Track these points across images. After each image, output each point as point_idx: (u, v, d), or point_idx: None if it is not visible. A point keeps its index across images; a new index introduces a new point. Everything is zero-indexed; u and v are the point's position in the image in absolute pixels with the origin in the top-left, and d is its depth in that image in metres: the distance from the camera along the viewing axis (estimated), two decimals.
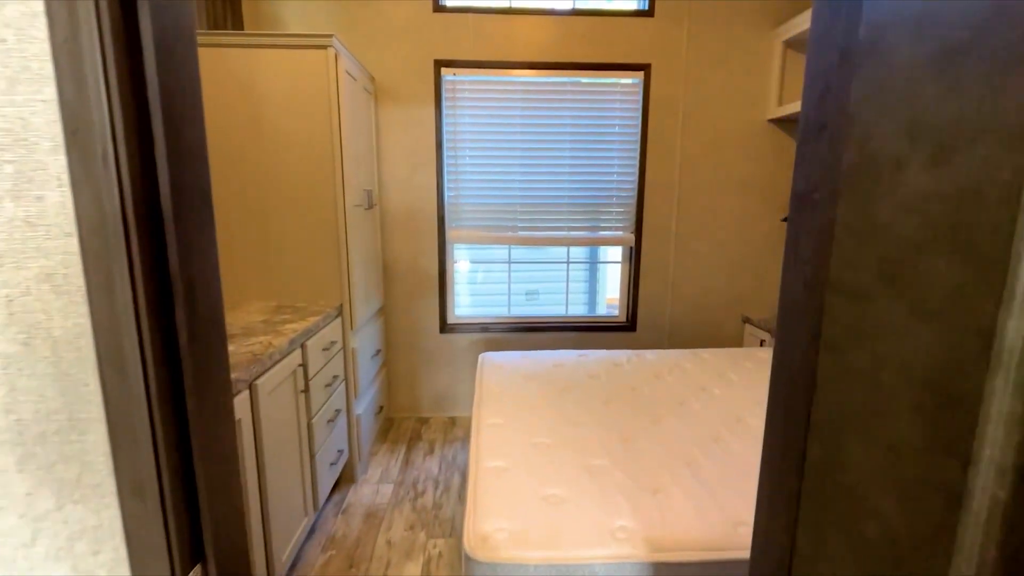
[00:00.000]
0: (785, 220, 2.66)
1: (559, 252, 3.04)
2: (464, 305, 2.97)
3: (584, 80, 2.64)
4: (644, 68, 2.62)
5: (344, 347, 2.11)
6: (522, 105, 2.64)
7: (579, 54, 2.60)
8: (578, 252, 3.21)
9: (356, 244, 2.18)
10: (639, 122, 2.69)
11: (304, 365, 1.71)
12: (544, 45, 2.58)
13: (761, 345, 2.70)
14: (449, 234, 2.74)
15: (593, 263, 3.39)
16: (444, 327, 2.83)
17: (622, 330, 2.89)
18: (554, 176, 2.72)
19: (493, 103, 2.63)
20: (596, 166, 2.73)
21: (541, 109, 2.65)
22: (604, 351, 2.44)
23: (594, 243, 2.83)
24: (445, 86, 2.61)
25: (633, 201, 2.78)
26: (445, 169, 2.68)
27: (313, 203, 2.00)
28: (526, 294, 3.05)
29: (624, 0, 2.67)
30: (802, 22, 2.42)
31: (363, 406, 2.30)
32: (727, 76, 2.65)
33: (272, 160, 1.96)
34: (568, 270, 2.99)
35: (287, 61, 1.90)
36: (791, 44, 2.58)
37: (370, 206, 2.44)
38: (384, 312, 2.77)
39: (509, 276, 2.93)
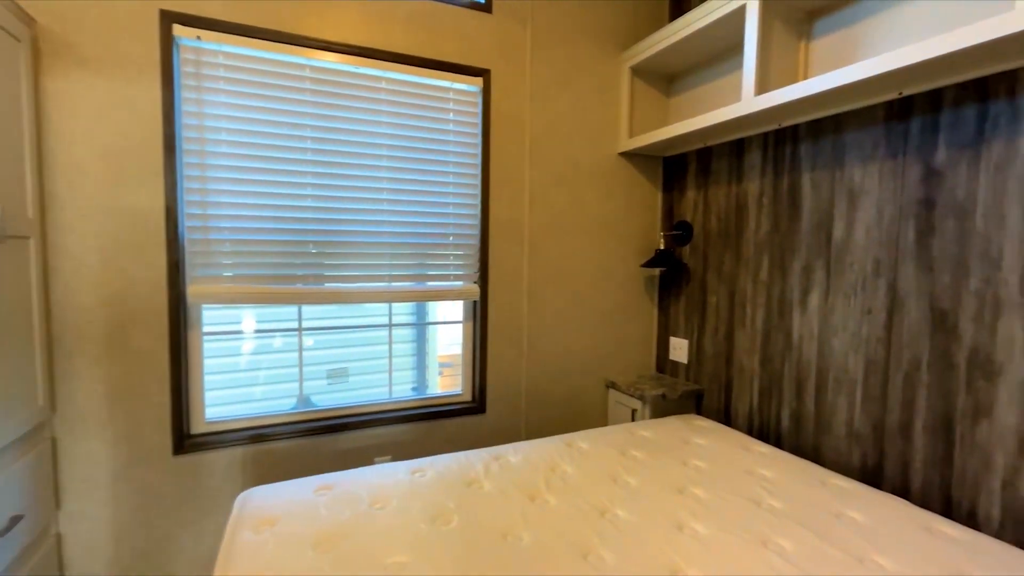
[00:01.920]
0: (645, 265, 2.30)
1: (378, 311, 2.19)
2: (221, 402, 1.88)
3: (410, 79, 1.95)
4: (483, 74, 2.06)
5: None
6: (318, 101, 1.81)
7: (400, 43, 1.91)
8: (402, 310, 2.42)
9: None
10: (479, 142, 2.09)
11: None
12: (353, 24, 1.83)
13: (633, 418, 2.23)
14: (191, 289, 1.68)
15: (422, 325, 2.62)
16: (183, 443, 1.70)
17: (468, 413, 2.14)
18: (369, 205, 1.91)
19: (271, 92, 1.74)
20: (428, 193, 2.01)
21: (349, 111, 1.85)
22: (448, 457, 1.64)
23: (428, 297, 2.06)
24: (182, 54, 1.64)
25: (476, 242, 2.12)
26: (182, 184, 1.66)
27: None
28: (328, 376, 2.10)
29: None
30: (648, 47, 2.15)
31: None
32: (575, 98, 2.25)
33: None
34: (391, 335, 2.15)
35: None
36: (638, 72, 2.32)
37: (1, 237, 1.28)
38: (44, 435, 1.53)
39: (300, 350, 1.96)
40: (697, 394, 2.25)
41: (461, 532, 1.21)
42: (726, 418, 2.12)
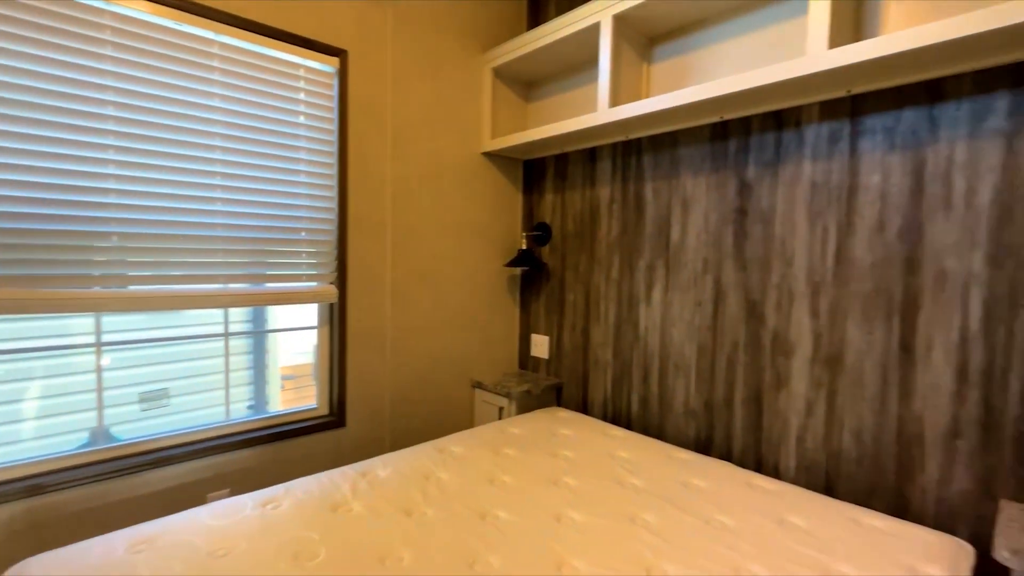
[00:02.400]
0: (509, 265, 2.35)
1: (210, 317, 1.86)
2: None
3: (250, 47, 1.68)
4: (339, 54, 1.88)
5: None
6: (124, 58, 1.45)
7: (238, 3, 1.63)
8: (238, 316, 2.12)
9: None
10: (336, 128, 1.90)
11: None
12: None
13: (500, 416, 2.26)
14: None
15: (265, 333, 2.32)
16: None
17: (325, 428, 1.93)
18: (198, 191, 1.60)
19: (54, 39, 1.34)
20: (274, 182, 1.76)
21: (168, 75, 1.52)
22: (307, 481, 1.45)
23: (277, 300, 1.80)
24: None
25: (333, 239, 1.93)
26: None
27: None
28: (141, 400, 1.71)
29: None
30: (509, 51, 2.21)
31: None
32: (439, 93, 2.20)
33: None
34: (227, 346, 1.83)
35: None
36: (500, 74, 2.36)
37: None
38: None
39: (99, 370, 1.54)
40: (557, 387, 2.37)
41: (331, 565, 1.07)
42: (584, 407, 2.27)
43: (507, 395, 2.21)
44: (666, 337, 1.94)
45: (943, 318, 1.31)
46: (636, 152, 2.03)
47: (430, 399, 2.25)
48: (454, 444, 1.76)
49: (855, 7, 1.40)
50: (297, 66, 1.79)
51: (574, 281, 2.30)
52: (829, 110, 1.50)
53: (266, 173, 1.74)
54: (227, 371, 1.82)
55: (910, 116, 1.36)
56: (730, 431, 1.75)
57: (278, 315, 2.24)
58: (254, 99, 1.70)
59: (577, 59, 2.17)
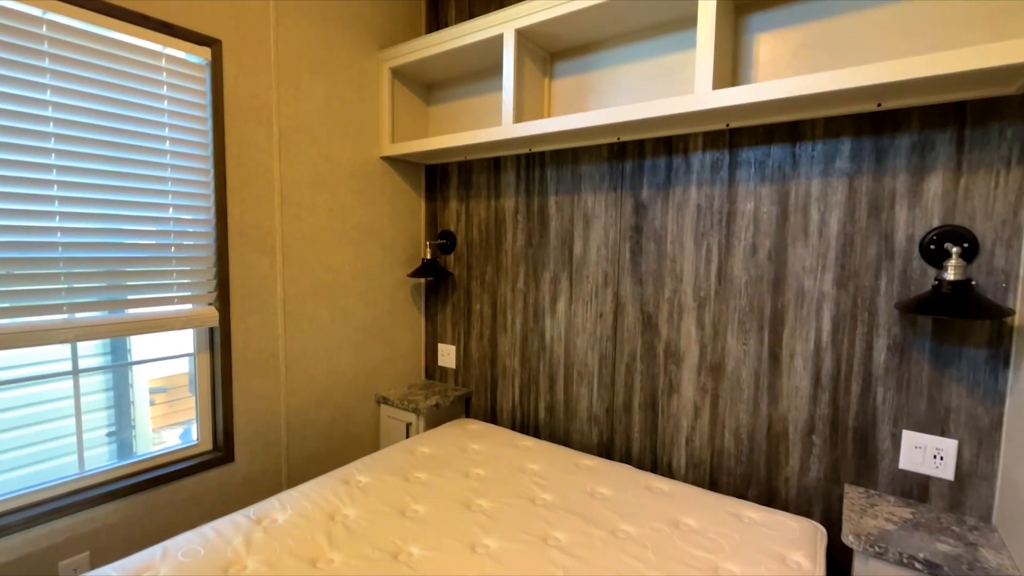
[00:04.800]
0: (412, 275, 2.27)
1: (55, 353, 1.56)
2: None
3: (89, 28, 1.40)
4: (211, 44, 1.64)
5: None
6: None
7: None
8: (91, 348, 1.82)
9: None
10: (210, 128, 1.67)
11: None
12: None
13: (408, 433, 2.19)
14: None
15: (123, 367, 2.02)
16: None
17: (210, 466, 1.73)
18: (28, 204, 1.31)
19: None
20: (133, 191, 1.50)
21: None
22: (189, 537, 1.28)
23: (140, 328, 1.55)
24: None
25: (211, 254, 1.71)
26: None
27: None
28: None
29: None
30: (407, 52, 2.10)
31: None
32: (332, 91, 2.03)
33: None
34: (77, 385, 1.55)
35: None
36: (398, 74, 2.24)
37: None
38: None
39: None
40: (466, 397, 2.36)
41: None
42: (493, 416, 2.29)
43: (415, 411, 2.15)
44: (570, 346, 2.01)
45: (802, 331, 1.51)
46: (540, 165, 2.05)
47: (332, 421, 2.11)
48: (360, 472, 1.67)
49: (732, 53, 1.54)
50: (157, 55, 1.54)
51: (480, 291, 2.29)
52: (712, 140, 1.64)
53: (121, 181, 1.48)
54: (78, 413, 1.54)
55: (777, 152, 1.53)
56: (629, 434, 1.87)
57: (144, 340, 1.95)
58: (99, 92, 1.42)
59: (479, 66, 2.13)
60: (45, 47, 1.32)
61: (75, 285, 1.41)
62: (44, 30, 1.32)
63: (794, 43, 1.47)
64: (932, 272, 1.32)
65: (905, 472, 1.38)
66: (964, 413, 1.30)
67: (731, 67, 1.53)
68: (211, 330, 1.75)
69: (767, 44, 1.51)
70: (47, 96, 1.33)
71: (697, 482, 1.72)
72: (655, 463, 1.82)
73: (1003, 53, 1.03)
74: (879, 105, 1.34)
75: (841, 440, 1.47)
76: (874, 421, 1.41)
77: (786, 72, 1.48)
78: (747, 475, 1.62)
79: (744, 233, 1.59)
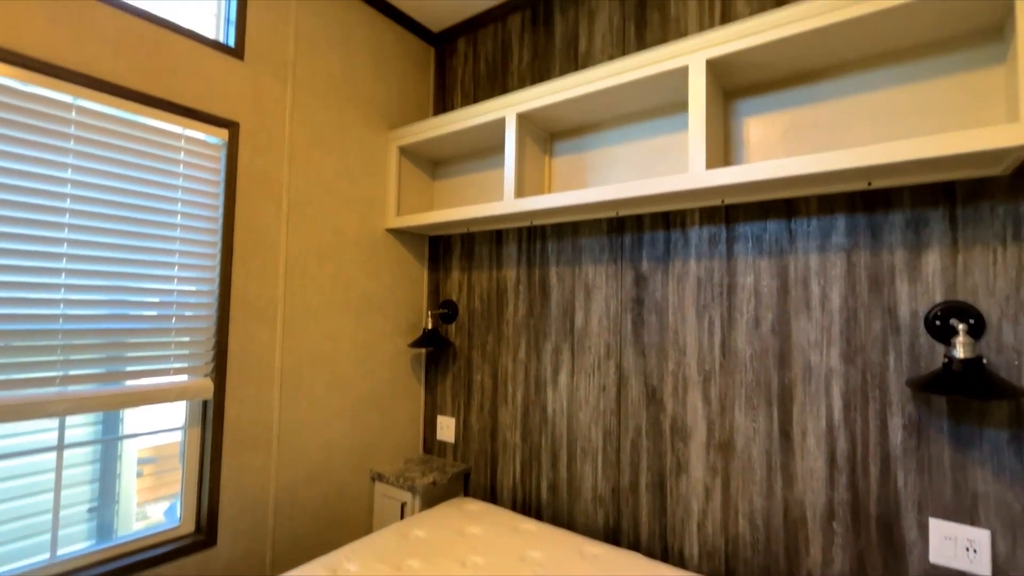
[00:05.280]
0: (413, 345, 2.25)
1: (39, 426, 1.51)
2: None
3: (116, 113, 1.49)
4: (229, 126, 1.74)
5: None
6: None
7: (108, 68, 1.46)
8: (79, 420, 1.78)
9: None
10: (221, 203, 1.73)
11: None
12: (33, 29, 1.30)
13: (403, 513, 2.07)
14: None
15: (114, 440, 1.97)
16: None
17: (190, 551, 1.62)
18: (34, 277, 1.33)
19: None
20: (141, 263, 1.53)
21: (10, 142, 1.28)
22: None
23: (132, 402, 1.51)
24: None
25: (211, 325, 1.70)
26: None
27: None
28: None
29: (196, 18, 1.75)
30: (415, 133, 2.22)
31: None
32: (342, 167, 2.12)
33: None
34: (60, 461, 1.49)
35: None
36: (406, 152, 2.35)
37: None
38: None
39: None
40: (465, 473, 2.25)
41: None
42: (492, 494, 2.17)
43: (411, 489, 2.05)
44: (573, 420, 1.95)
45: (813, 407, 1.46)
46: (541, 238, 2.10)
47: (323, 499, 2.00)
48: (349, 559, 1.56)
49: (724, 134, 1.61)
50: (177, 136, 1.62)
51: (481, 361, 2.26)
52: (708, 216, 1.68)
53: (130, 254, 1.51)
54: (58, 491, 1.47)
55: (773, 227, 1.56)
56: (637, 517, 1.76)
57: (137, 411, 1.90)
58: (118, 170, 1.49)
59: (483, 144, 2.24)
60: (72, 130, 1.40)
61: (72, 357, 1.40)
62: (73, 115, 1.41)
63: (782, 126, 1.54)
64: (940, 348, 1.30)
65: (937, 567, 1.27)
66: (993, 500, 1.22)
67: (723, 147, 1.60)
68: (205, 403, 1.71)
69: (756, 126, 1.58)
70: (68, 175, 1.39)
71: (712, 573, 1.59)
72: (666, 550, 1.69)
73: (983, 139, 1.07)
74: (869, 184, 1.38)
75: (864, 529, 1.37)
76: (898, 508, 1.33)
77: (777, 150, 1.54)
78: (765, 566, 1.50)
79: (746, 306, 1.59)
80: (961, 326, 1.18)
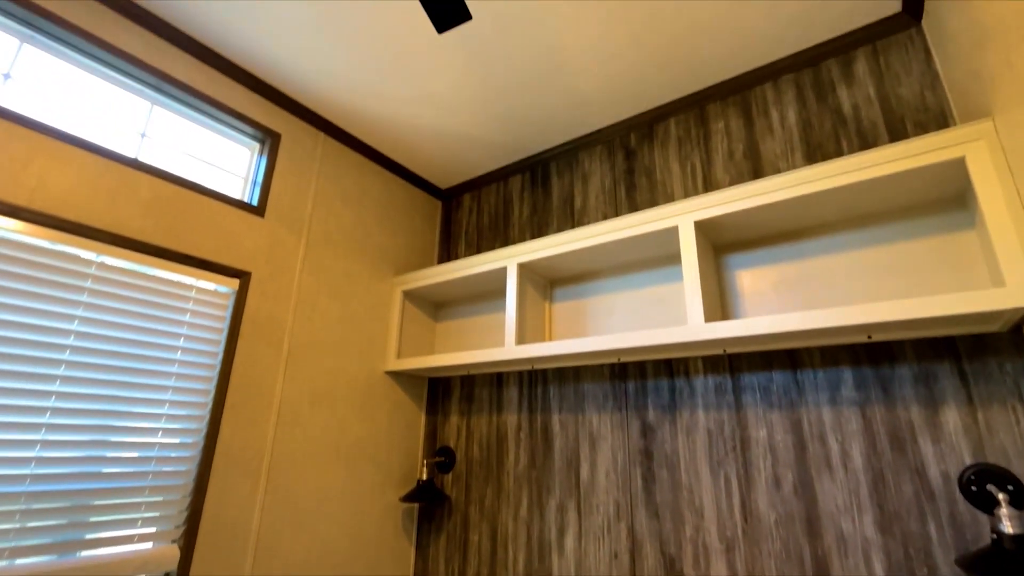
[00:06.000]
0: (405, 499, 2.07)
1: None
2: None
3: (135, 267, 1.55)
4: (241, 276, 1.81)
5: None
6: None
7: (135, 227, 1.56)
8: None
9: None
10: (221, 350, 1.72)
11: None
12: (67, 192, 1.42)
13: None
14: None
15: None
16: None
17: None
18: (14, 433, 1.26)
19: None
20: (127, 416, 1.47)
21: (19, 295, 1.32)
22: None
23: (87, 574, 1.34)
24: None
25: (190, 481, 1.58)
26: None
27: None
28: None
29: (223, 180, 1.92)
30: (420, 279, 2.31)
31: None
32: (346, 311, 2.16)
33: None
34: None
35: None
36: (409, 296, 2.42)
37: None
38: None
39: None
40: None
41: None
42: None
43: None
44: None
45: None
46: (542, 382, 2.05)
47: None
48: None
49: (718, 284, 1.67)
50: (189, 287, 1.68)
51: (479, 519, 2.06)
52: (712, 364, 1.66)
53: (117, 405, 1.46)
54: None
55: (780, 377, 1.53)
56: None
57: None
58: (124, 320, 1.51)
59: (485, 289, 2.31)
60: (88, 284, 1.45)
61: (29, 524, 1.27)
62: (92, 270, 1.47)
63: (773, 278, 1.59)
64: (982, 518, 1.18)
65: None
66: None
67: (719, 298, 1.64)
68: (167, 574, 1.51)
69: (747, 279, 1.64)
70: (74, 326, 1.41)
71: None
72: None
73: (971, 302, 1.09)
74: (869, 337, 1.38)
75: None
76: None
77: (771, 301, 1.57)
78: None
79: (762, 463, 1.49)
80: (1002, 495, 1.08)
